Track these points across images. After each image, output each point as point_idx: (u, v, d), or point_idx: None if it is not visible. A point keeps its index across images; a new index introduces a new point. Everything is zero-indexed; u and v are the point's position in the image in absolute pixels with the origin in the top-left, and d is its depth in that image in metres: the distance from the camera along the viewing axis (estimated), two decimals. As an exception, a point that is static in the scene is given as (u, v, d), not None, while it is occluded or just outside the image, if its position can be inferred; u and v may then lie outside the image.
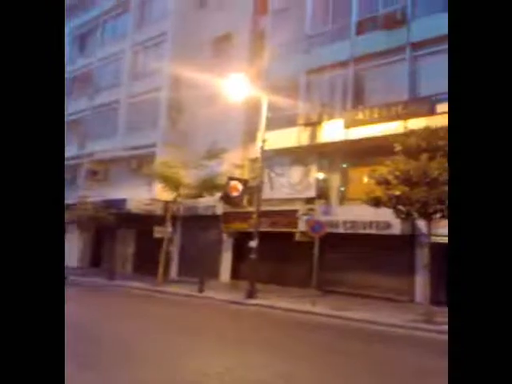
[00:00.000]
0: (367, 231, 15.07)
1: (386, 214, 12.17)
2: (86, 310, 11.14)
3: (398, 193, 10.30)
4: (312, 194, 17.23)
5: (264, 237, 15.66)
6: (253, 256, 14.99)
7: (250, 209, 16.94)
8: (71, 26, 29.94)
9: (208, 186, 18.10)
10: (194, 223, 20.98)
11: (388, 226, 14.22)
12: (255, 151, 16.97)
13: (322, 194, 17.10)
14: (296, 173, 17.86)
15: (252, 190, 17.21)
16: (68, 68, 28.86)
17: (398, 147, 10.91)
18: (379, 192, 11.20)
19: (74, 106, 27.89)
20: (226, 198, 17.44)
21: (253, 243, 15.06)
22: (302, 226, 16.38)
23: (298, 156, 17.53)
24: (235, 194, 17.29)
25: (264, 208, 16.24)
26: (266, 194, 17.73)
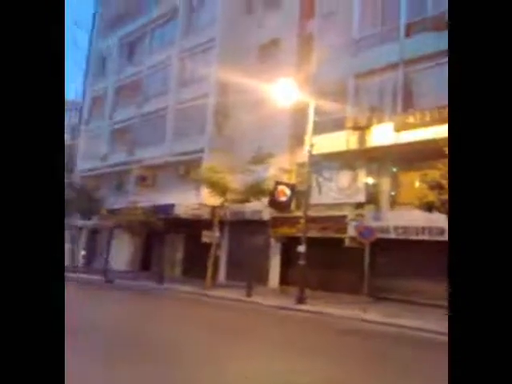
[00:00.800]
0: (420, 237, 15.03)
1: (439, 220, 12.18)
2: (133, 313, 11.56)
3: (451, 197, 10.33)
4: (361, 198, 17.31)
5: (312, 242, 15.79)
6: (301, 262, 15.09)
7: (298, 213, 17.12)
8: (119, 34, 31.31)
9: (255, 190, 18.45)
10: (241, 228, 21.36)
11: (442, 232, 14.14)
12: (303, 156, 17.17)
13: (372, 198, 17.17)
14: (344, 177, 18.02)
15: (300, 195, 17.49)
16: (116, 77, 30.34)
17: (450, 150, 10.92)
18: (432, 197, 11.27)
19: (123, 113, 29.15)
20: (274, 203, 17.85)
21: (301, 248, 15.21)
22: (351, 232, 16.59)
23: (346, 160, 17.67)
24: (283, 198, 17.71)
25: (312, 213, 16.42)
26: (314, 198, 17.86)
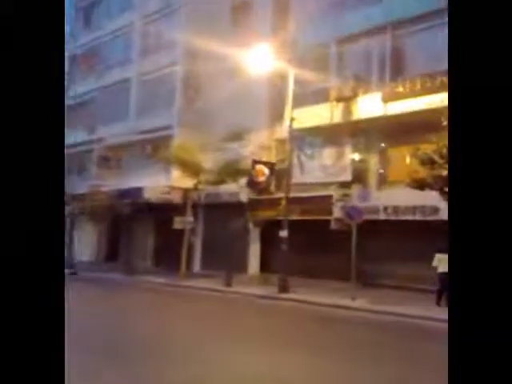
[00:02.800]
0: (411, 217, 15.16)
1: (432, 198, 12.24)
2: (104, 307, 11.52)
3: (445, 173, 10.13)
4: (347, 177, 17.36)
5: (295, 225, 15.89)
6: (284, 247, 15.25)
7: (279, 195, 17.25)
8: (73, -3, 30.22)
9: (231, 170, 18.38)
10: (217, 212, 21.39)
11: (435, 210, 14.24)
12: (283, 131, 17.35)
13: (359, 177, 17.23)
14: (329, 154, 18.05)
15: (280, 174, 17.57)
16: (71, 45, 29.25)
17: (444, 121, 10.74)
18: (424, 173, 11.25)
19: (81, 86, 28.19)
20: (252, 184, 17.95)
21: (283, 233, 15.34)
22: (337, 214, 16.68)
23: (330, 135, 17.68)
24: (261, 178, 17.82)
25: (294, 194, 16.46)
26: (296, 178, 17.90)
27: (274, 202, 17.55)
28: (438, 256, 12.39)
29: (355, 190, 17.01)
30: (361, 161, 17.39)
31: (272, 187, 18.19)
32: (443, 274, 12.00)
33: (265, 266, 19.78)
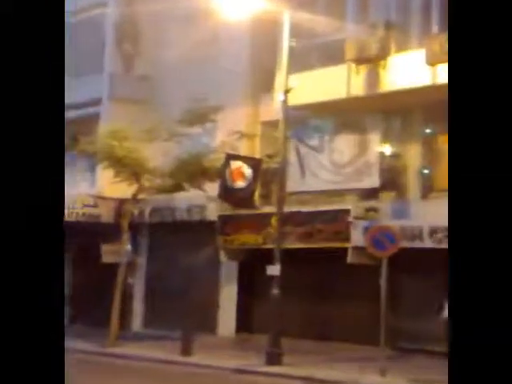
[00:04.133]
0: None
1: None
2: None
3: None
4: (374, 181, 17.38)
5: (292, 258, 15.74)
6: (274, 291, 15.15)
7: (267, 209, 17.30)
8: None
9: (191, 170, 18.32)
10: (170, 236, 21.35)
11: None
12: (273, 109, 17.24)
13: (392, 181, 17.28)
14: (345, 145, 18.03)
15: (269, 178, 17.49)
16: None
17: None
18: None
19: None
20: (225, 192, 17.45)
21: (273, 269, 15.18)
22: (357, 239, 16.43)
23: (346, 116, 17.72)
24: (240, 183, 17.15)
25: (290, 208, 16.49)
26: (294, 183, 17.89)
27: (260, 221, 17.69)
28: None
29: (386, 203, 17.09)
30: (394, 155, 17.48)
31: (256, 197, 17.71)
32: None
33: (245, 321, 19.66)
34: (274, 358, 14.90)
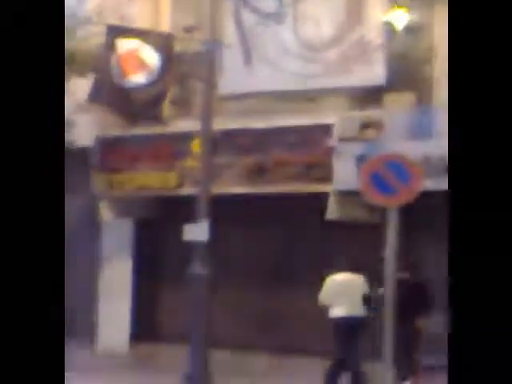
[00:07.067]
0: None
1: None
2: None
3: None
4: (376, 74, 13.79)
5: (231, 212, 13.70)
6: (199, 272, 12.34)
7: (186, 126, 14.43)
8: None
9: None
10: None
11: None
12: None
13: (407, 73, 13.50)
14: (324, 9, 14.15)
15: (189, 69, 14.44)
16: None
17: None
18: None
19: None
20: (109, 94, 14.17)
21: (197, 232, 12.59)
22: (345, 178, 13.28)
23: None
24: (137, 78, 14.04)
25: (228, 123, 13.78)
26: (235, 79, 14.68)
27: (173, 147, 14.74)
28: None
29: (396, 112, 13.46)
30: (412, 27, 13.46)
31: (166, 104, 14.53)
32: None
33: (145, 325, 16.08)
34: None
